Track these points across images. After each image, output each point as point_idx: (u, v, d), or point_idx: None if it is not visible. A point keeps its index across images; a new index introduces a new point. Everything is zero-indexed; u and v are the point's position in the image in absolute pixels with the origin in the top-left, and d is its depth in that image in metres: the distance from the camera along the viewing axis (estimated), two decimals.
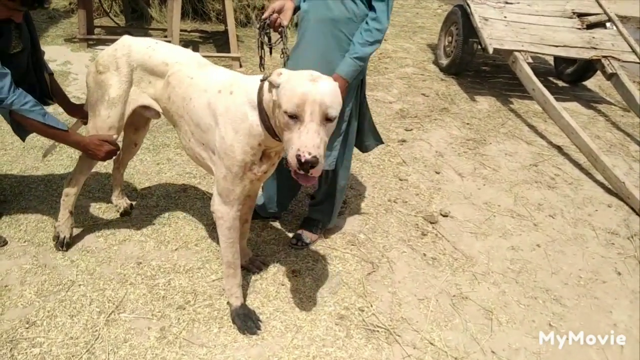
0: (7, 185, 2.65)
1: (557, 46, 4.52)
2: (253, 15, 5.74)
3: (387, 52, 5.55)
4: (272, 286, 2.17)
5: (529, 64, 4.29)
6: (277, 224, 2.60)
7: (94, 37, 4.77)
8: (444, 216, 2.82)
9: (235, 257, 1.90)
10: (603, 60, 4.42)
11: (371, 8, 2.00)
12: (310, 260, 2.36)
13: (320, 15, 2.02)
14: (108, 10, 5.55)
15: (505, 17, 4.75)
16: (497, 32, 4.52)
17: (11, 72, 1.89)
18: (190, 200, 2.70)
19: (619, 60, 4.43)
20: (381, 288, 2.24)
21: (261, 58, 2.05)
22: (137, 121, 2.28)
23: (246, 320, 1.93)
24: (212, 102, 1.75)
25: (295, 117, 1.45)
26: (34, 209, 2.47)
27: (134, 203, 2.59)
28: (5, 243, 2.23)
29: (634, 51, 4.53)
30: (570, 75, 5.19)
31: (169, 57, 1.93)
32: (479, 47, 4.70)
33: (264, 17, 1.99)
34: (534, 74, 4.21)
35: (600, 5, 4.90)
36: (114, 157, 2.23)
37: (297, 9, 2.11)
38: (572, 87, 5.19)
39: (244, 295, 2.04)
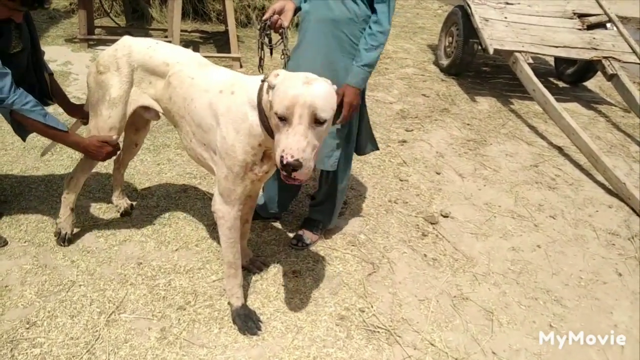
0: (7, 185, 2.64)
1: (557, 47, 4.52)
2: (253, 16, 5.74)
3: (388, 53, 5.55)
4: (272, 287, 2.17)
5: (529, 64, 4.29)
6: (277, 225, 2.60)
7: (94, 37, 4.77)
8: (444, 217, 2.82)
9: (236, 257, 1.90)
10: (603, 61, 4.42)
11: (373, 10, 2.00)
12: (311, 260, 2.36)
13: (321, 16, 2.02)
14: (109, 11, 5.55)
15: (505, 17, 4.75)
16: (497, 32, 4.52)
17: (11, 72, 1.89)
18: (191, 200, 2.70)
19: (619, 61, 4.43)
20: (382, 289, 2.24)
21: (261, 59, 2.05)
22: (138, 122, 2.28)
23: (247, 321, 1.93)
24: (213, 102, 1.75)
25: (284, 119, 1.45)
26: (35, 209, 2.47)
27: (134, 203, 2.59)
28: (5, 243, 2.23)
29: (634, 52, 4.53)
30: (571, 76, 5.19)
31: (170, 58, 1.93)
32: (480, 47, 4.70)
33: (264, 18, 1.99)
34: (534, 74, 4.21)
35: (601, 6, 4.90)
36: (114, 158, 2.23)
37: (297, 9, 2.11)
38: (573, 87, 5.19)
39: (245, 296, 2.03)
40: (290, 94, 1.44)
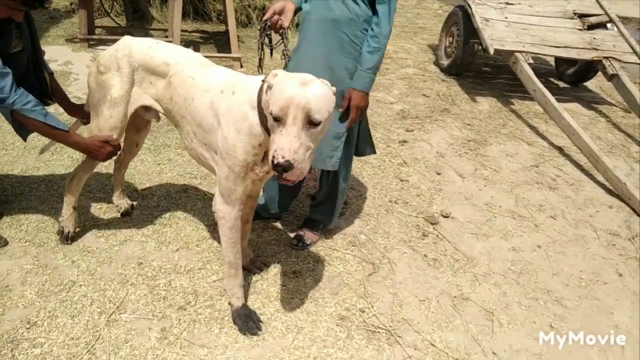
0: (8, 185, 2.65)
1: (558, 47, 4.52)
2: (254, 16, 5.74)
3: (388, 53, 5.55)
4: (273, 287, 2.17)
5: (529, 64, 4.29)
6: (278, 225, 2.60)
7: (95, 37, 4.77)
8: (444, 217, 2.82)
9: (237, 257, 1.90)
10: (604, 61, 4.42)
11: (374, 10, 2.01)
12: (311, 261, 2.36)
13: (321, 16, 2.02)
14: (109, 11, 5.55)
15: (506, 17, 4.75)
16: (498, 32, 4.52)
17: (12, 72, 1.89)
18: (191, 200, 2.70)
19: (620, 61, 4.43)
20: (382, 289, 2.24)
21: (260, 59, 2.05)
22: (139, 122, 2.28)
23: (247, 321, 1.93)
24: (214, 102, 1.75)
25: (279, 119, 1.46)
26: (35, 209, 2.47)
27: (134, 203, 2.59)
28: (6, 243, 2.23)
29: (635, 52, 4.52)
30: (571, 76, 5.19)
31: (170, 58, 1.93)
32: (480, 47, 4.70)
33: (264, 18, 1.99)
34: (534, 74, 4.21)
35: (601, 6, 4.90)
36: (114, 158, 2.24)
37: (297, 10, 2.11)
38: (573, 88, 5.19)
39: (245, 296, 2.03)
40: (285, 94, 1.45)
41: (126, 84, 1.98)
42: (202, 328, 1.93)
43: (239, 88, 1.72)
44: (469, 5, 4.77)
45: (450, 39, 5.11)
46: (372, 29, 2.01)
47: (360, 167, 3.21)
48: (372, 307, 2.13)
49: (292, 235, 2.50)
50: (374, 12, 2.02)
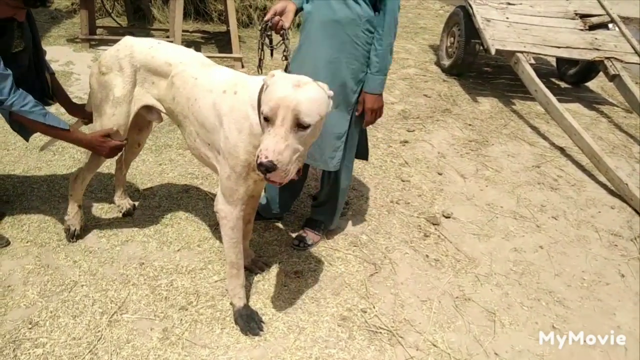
0: (9, 185, 2.65)
1: (559, 47, 4.51)
2: (255, 16, 5.74)
3: None
4: (274, 287, 2.17)
5: (531, 65, 4.28)
6: (279, 225, 2.60)
7: (96, 37, 4.77)
8: (446, 217, 2.82)
9: (239, 257, 1.90)
10: (606, 62, 4.41)
11: (375, 10, 2.01)
12: (313, 261, 2.36)
13: (323, 17, 2.02)
14: (110, 11, 5.56)
15: (507, 18, 4.75)
16: (499, 33, 4.52)
17: (12, 72, 1.89)
18: (193, 200, 2.70)
19: (621, 61, 4.42)
20: (384, 289, 2.24)
21: (260, 60, 2.05)
22: (141, 121, 2.27)
23: (249, 321, 1.93)
24: (217, 102, 1.76)
25: (269, 120, 1.46)
26: (37, 210, 2.47)
27: (136, 204, 2.59)
28: (8, 243, 2.23)
29: (636, 52, 4.52)
30: (573, 77, 5.19)
31: (172, 58, 1.93)
32: (481, 48, 4.69)
33: (265, 19, 1.99)
34: (536, 75, 4.20)
35: (603, 7, 4.89)
36: (119, 154, 2.23)
37: (298, 10, 2.10)
38: (575, 88, 5.19)
39: (247, 296, 2.03)
40: (277, 95, 1.45)
41: (128, 84, 1.98)
42: (203, 328, 1.93)
43: (241, 88, 1.72)
44: (470, 6, 4.77)
45: (452, 39, 5.11)
46: (377, 32, 2.02)
47: (362, 167, 3.21)
48: (374, 307, 2.13)
49: (293, 235, 2.50)
50: (376, 11, 2.02)
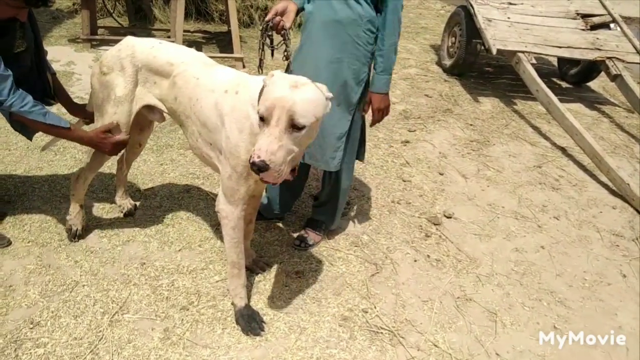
0: (11, 185, 2.65)
1: (561, 47, 4.50)
2: (256, 16, 5.74)
3: None
4: (275, 287, 2.17)
5: (532, 65, 4.27)
6: (280, 225, 2.60)
7: (97, 37, 4.78)
8: (447, 217, 2.81)
9: (240, 257, 1.90)
10: (607, 62, 4.40)
11: (377, 10, 2.01)
12: (314, 261, 2.35)
13: (325, 17, 2.02)
14: (111, 11, 5.56)
15: (508, 17, 4.74)
16: (500, 32, 4.51)
17: (14, 72, 1.90)
18: (194, 200, 2.70)
19: (623, 61, 4.41)
20: (385, 289, 2.24)
21: (261, 60, 2.05)
22: (142, 121, 2.28)
23: (250, 321, 1.93)
24: (219, 102, 1.76)
25: (264, 119, 1.46)
26: (38, 210, 2.48)
27: (137, 204, 2.60)
28: (9, 243, 2.23)
29: (638, 52, 4.51)
30: (574, 77, 5.18)
31: (174, 57, 1.93)
32: (483, 48, 4.68)
33: (266, 19, 1.99)
34: (537, 75, 4.20)
35: (604, 6, 4.88)
36: (121, 152, 2.23)
37: (299, 10, 2.10)
38: (576, 88, 5.18)
39: (248, 296, 2.03)
40: (273, 95, 1.45)
41: (130, 83, 1.98)
42: (204, 328, 1.93)
43: (242, 88, 1.72)
44: (471, 6, 4.76)
45: (453, 39, 5.10)
46: (381, 32, 2.04)
47: (363, 167, 3.21)
48: (375, 307, 2.12)
49: (294, 235, 2.49)
50: (377, 12, 2.02)
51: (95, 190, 2.69)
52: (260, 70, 2.07)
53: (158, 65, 1.94)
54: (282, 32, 1.98)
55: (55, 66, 3.75)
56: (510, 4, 4.93)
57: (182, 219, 2.54)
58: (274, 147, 1.42)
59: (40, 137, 2.82)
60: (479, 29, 4.56)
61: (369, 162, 3.27)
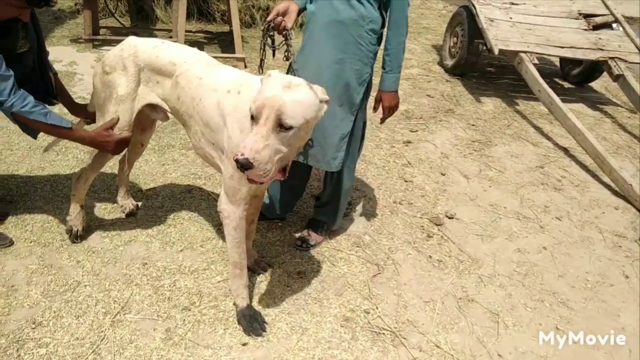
0: (13, 185, 2.65)
1: (563, 47, 4.49)
2: (258, 16, 5.74)
3: None
4: (277, 288, 2.17)
5: (534, 65, 4.26)
6: (282, 225, 2.60)
7: (99, 37, 4.79)
8: (449, 218, 2.81)
9: (242, 257, 1.89)
10: (610, 62, 4.39)
11: (380, 11, 2.01)
12: (316, 261, 2.35)
13: (327, 17, 2.02)
14: (113, 11, 5.57)
15: (510, 18, 4.73)
16: (502, 33, 4.50)
17: (16, 72, 1.90)
18: (196, 201, 2.70)
19: (625, 61, 4.40)
20: (387, 290, 2.24)
21: (261, 60, 2.05)
22: (144, 121, 2.28)
23: (252, 322, 1.93)
24: (221, 102, 1.76)
25: (254, 118, 1.46)
26: (40, 210, 2.48)
27: (139, 204, 2.60)
28: (11, 243, 2.24)
29: None
30: (577, 77, 5.17)
31: (176, 57, 1.93)
32: (485, 48, 4.68)
33: (268, 19, 1.99)
34: (539, 75, 4.19)
35: (607, 6, 4.87)
36: (124, 151, 2.23)
37: (301, 10, 2.10)
38: (579, 88, 5.17)
39: (250, 297, 2.03)
40: (264, 94, 1.46)
41: (132, 82, 1.98)
42: (206, 329, 1.93)
43: (245, 88, 1.72)
44: (473, 6, 4.75)
45: (455, 39, 5.09)
46: (387, 31, 2.06)
47: (365, 167, 3.20)
48: (377, 308, 2.12)
49: (296, 236, 2.49)
50: (381, 11, 2.02)
51: (97, 190, 2.69)
52: (260, 70, 2.07)
53: (160, 64, 1.95)
54: (284, 32, 1.98)
55: (57, 66, 3.76)
56: (513, 4, 4.92)
57: (184, 219, 2.54)
58: (259, 146, 1.42)
59: (43, 137, 2.82)
60: (481, 29, 4.56)
61: (371, 163, 3.27)
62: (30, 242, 2.27)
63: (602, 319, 2.22)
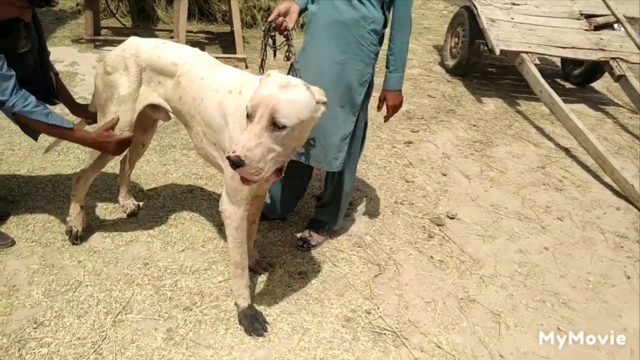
0: (14, 185, 2.66)
1: (564, 47, 4.49)
2: (259, 17, 5.74)
3: None
4: (278, 288, 2.17)
5: (536, 65, 4.26)
6: (283, 226, 2.60)
7: (100, 38, 4.79)
8: (450, 218, 2.81)
9: (243, 257, 1.89)
10: (611, 62, 4.39)
11: (383, 12, 2.01)
12: (317, 262, 2.35)
13: (328, 18, 2.02)
14: (115, 11, 5.57)
15: (512, 18, 4.73)
16: (504, 33, 4.50)
17: (18, 72, 1.90)
18: (197, 201, 2.70)
19: (627, 61, 4.40)
20: (388, 290, 2.23)
21: (262, 60, 2.05)
22: (146, 121, 2.28)
23: (253, 322, 1.93)
24: (222, 102, 1.76)
25: (249, 116, 1.47)
26: (42, 209, 2.48)
27: (140, 204, 2.60)
28: (13, 243, 2.24)
29: None
30: (578, 77, 5.16)
31: (178, 57, 1.93)
32: (486, 48, 4.68)
33: (269, 20, 1.99)
34: (541, 75, 4.19)
35: (608, 7, 4.87)
36: (125, 152, 2.22)
37: (302, 11, 2.10)
38: (580, 88, 5.16)
39: (251, 297, 2.03)
40: (260, 93, 1.46)
41: (134, 82, 1.98)
42: (208, 329, 1.93)
43: (246, 88, 1.72)
44: (474, 6, 4.75)
45: (456, 39, 5.09)
46: (391, 31, 2.07)
47: (366, 167, 3.20)
48: (378, 308, 2.12)
49: (297, 236, 2.49)
50: (383, 11, 2.02)
51: (98, 190, 2.69)
52: (262, 71, 2.07)
53: (162, 65, 1.95)
54: (285, 32, 1.98)
55: (58, 66, 3.76)
56: (514, 4, 4.92)
57: (185, 219, 2.54)
58: (251, 144, 1.42)
59: (45, 137, 2.82)
60: (482, 29, 4.55)
61: (372, 163, 3.27)
62: (32, 242, 2.27)
63: (604, 319, 2.22)
